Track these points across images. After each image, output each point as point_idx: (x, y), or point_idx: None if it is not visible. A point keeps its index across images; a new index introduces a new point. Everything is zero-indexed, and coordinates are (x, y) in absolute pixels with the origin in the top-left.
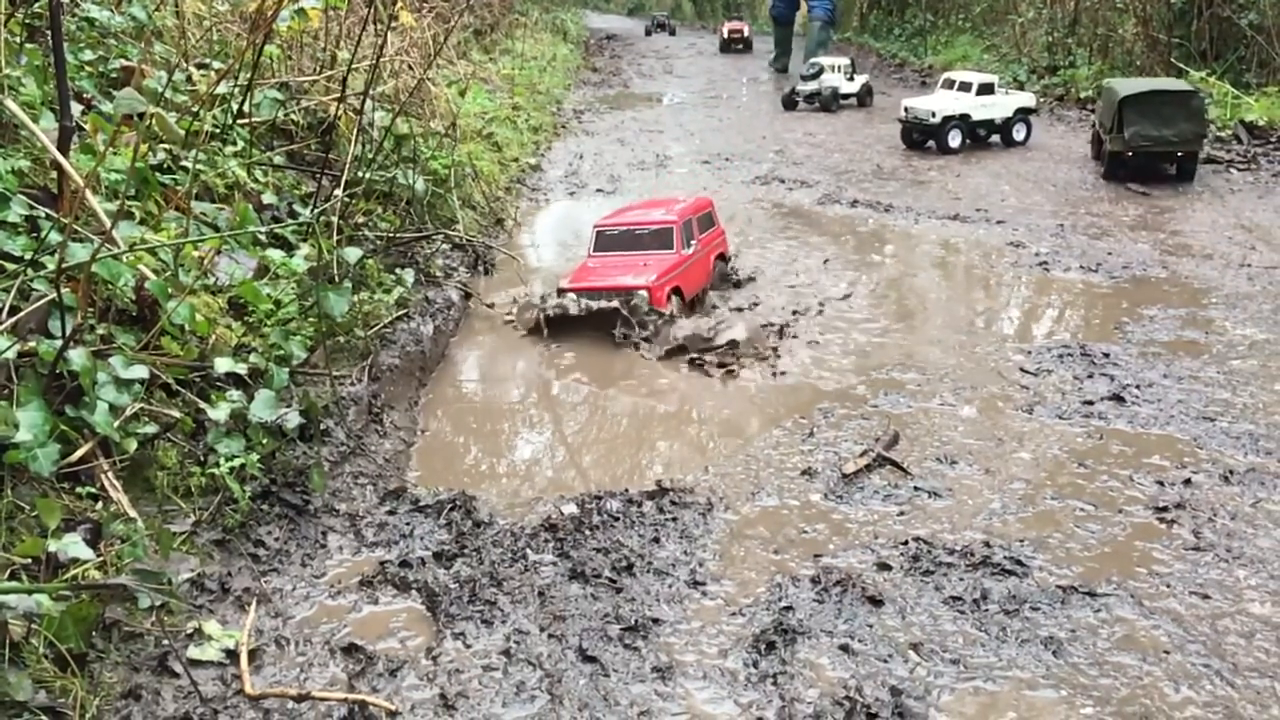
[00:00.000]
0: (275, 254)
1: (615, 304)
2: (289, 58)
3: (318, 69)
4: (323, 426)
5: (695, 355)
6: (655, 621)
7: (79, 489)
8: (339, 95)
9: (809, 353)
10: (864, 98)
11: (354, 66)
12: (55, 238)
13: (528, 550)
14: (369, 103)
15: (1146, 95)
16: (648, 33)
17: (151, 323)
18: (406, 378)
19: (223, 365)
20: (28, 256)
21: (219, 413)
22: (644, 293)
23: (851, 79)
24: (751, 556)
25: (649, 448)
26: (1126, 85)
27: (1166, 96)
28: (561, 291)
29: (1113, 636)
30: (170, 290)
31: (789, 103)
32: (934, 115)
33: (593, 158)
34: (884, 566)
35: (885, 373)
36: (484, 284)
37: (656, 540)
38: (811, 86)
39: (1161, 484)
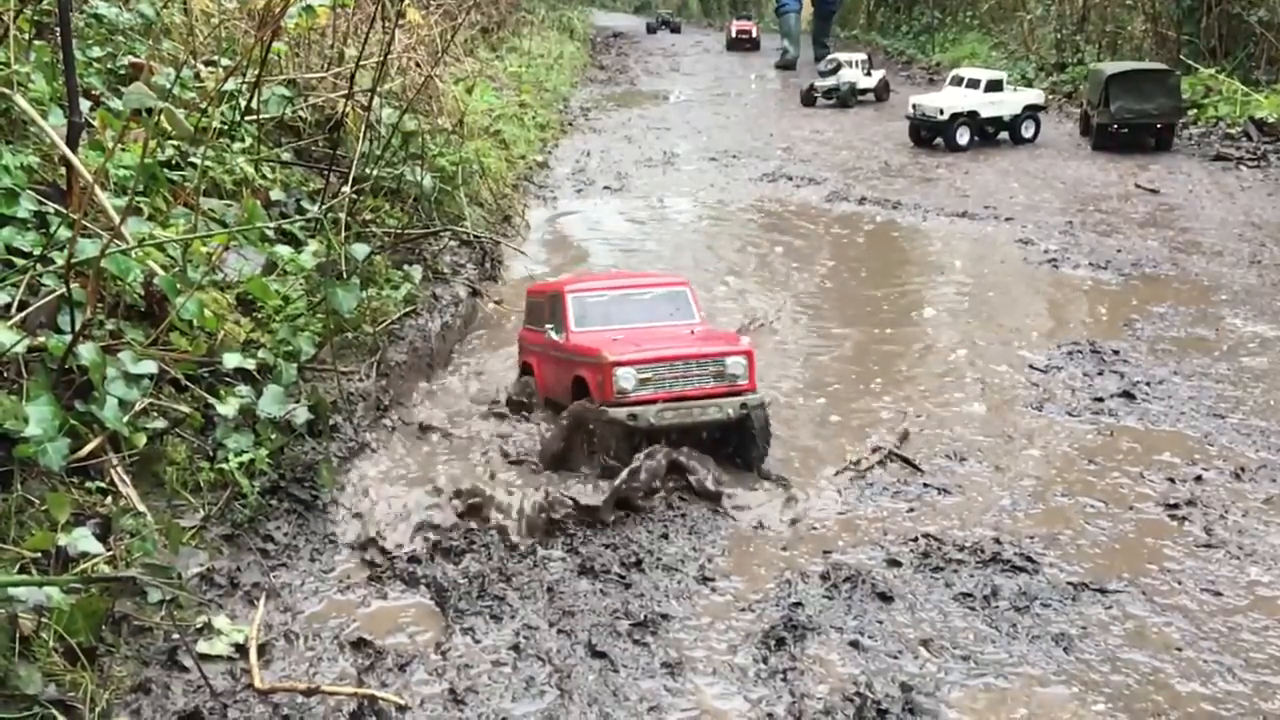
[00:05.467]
0: (283, 250)
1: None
2: (297, 55)
3: (325, 66)
4: (331, 422)
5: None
6: (664, 617)
7: (88, 484)
8: (347, 92)
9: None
10: (881, 93)
11: (362, 64)
12: (64, 233)
13: (537, 546)
14: (376, 100)
15: (1129, 74)
16: (650, 30)
17: (160, 318)
18: (414, 374)
19: (231, 361)
20: (37, 252)
21: (228, 408)
22: (742, 359)
23: (868, 74)
24: (761, 553)
25: None
26: (1111, 67)
27: (1147, 75)
28: (613, 365)
29: (1124, 633)
30: (179, 286)
31: (808, 99)
32: (942, 112)
33: (599, 155)
34: (894, 563)
35: (891, 370)
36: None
37: (665, 536)
38: (830, 82)
39: (1172, 481)
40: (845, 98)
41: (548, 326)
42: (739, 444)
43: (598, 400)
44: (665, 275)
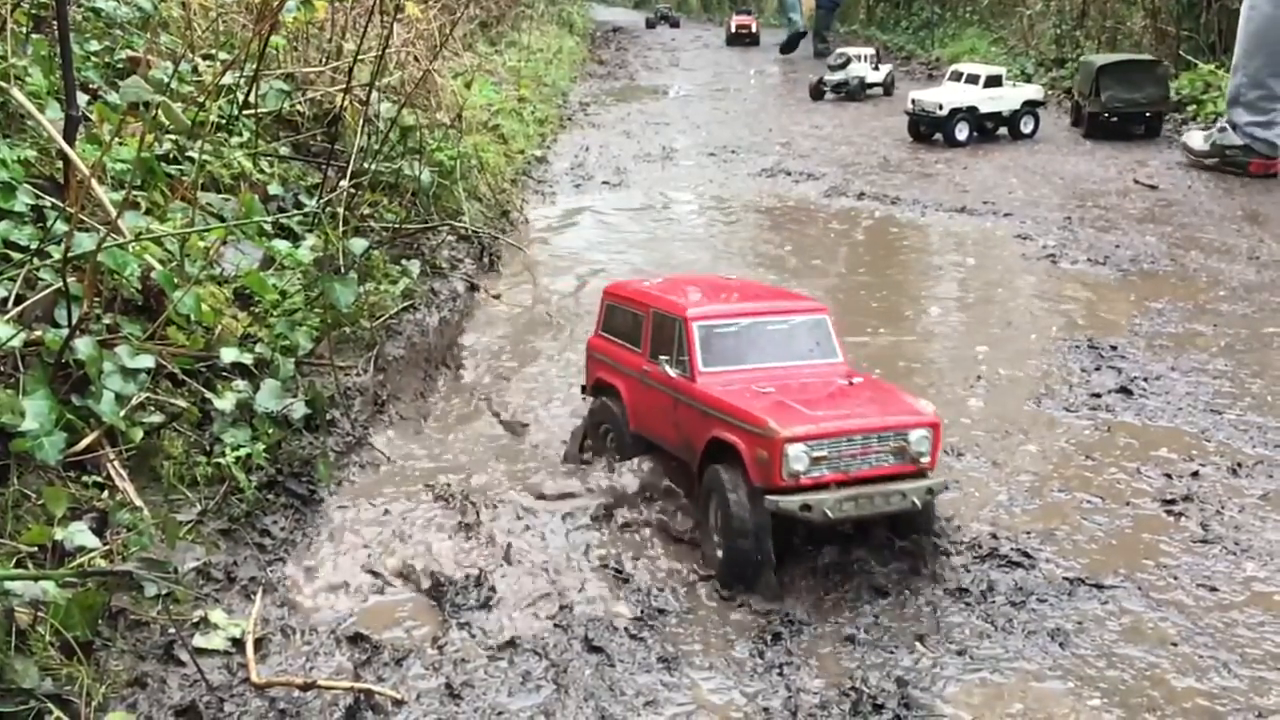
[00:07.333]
0: (281, 244)
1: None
2: (295, 49)
3: (323, 60)
4: (328, 417)
5: None
6: (661, 612)
7: (85, 478)
8: (345, 86)
9: None
10: (890, 87)
11: (360, 58)
12: (61, 227)
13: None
14: (375, 94)
15: (1119, 65)
16: (649, 25)
17: (157, 312)
18: (413, 369)
19: (229, 355)
20: (34, 246)
21: (225, 403)
22: (927, 432)
23: (877, 68)
24: None
25: None
26: (1101, 58)
27: (1136, 66)
28: (785, 441)
29: (1120, 628)
30: (176, 280)
31: (817, 93)
32: (941, 108)
33: (598, 150)
34: (891, 558)
35: (891, 366)
36: (490, 276)
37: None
38: (839, 76)
39: (1169, 476)
40: (855, 92)
41: (662, 358)
42: (899, 530)
43: (756, 480)
44: (799, 298)
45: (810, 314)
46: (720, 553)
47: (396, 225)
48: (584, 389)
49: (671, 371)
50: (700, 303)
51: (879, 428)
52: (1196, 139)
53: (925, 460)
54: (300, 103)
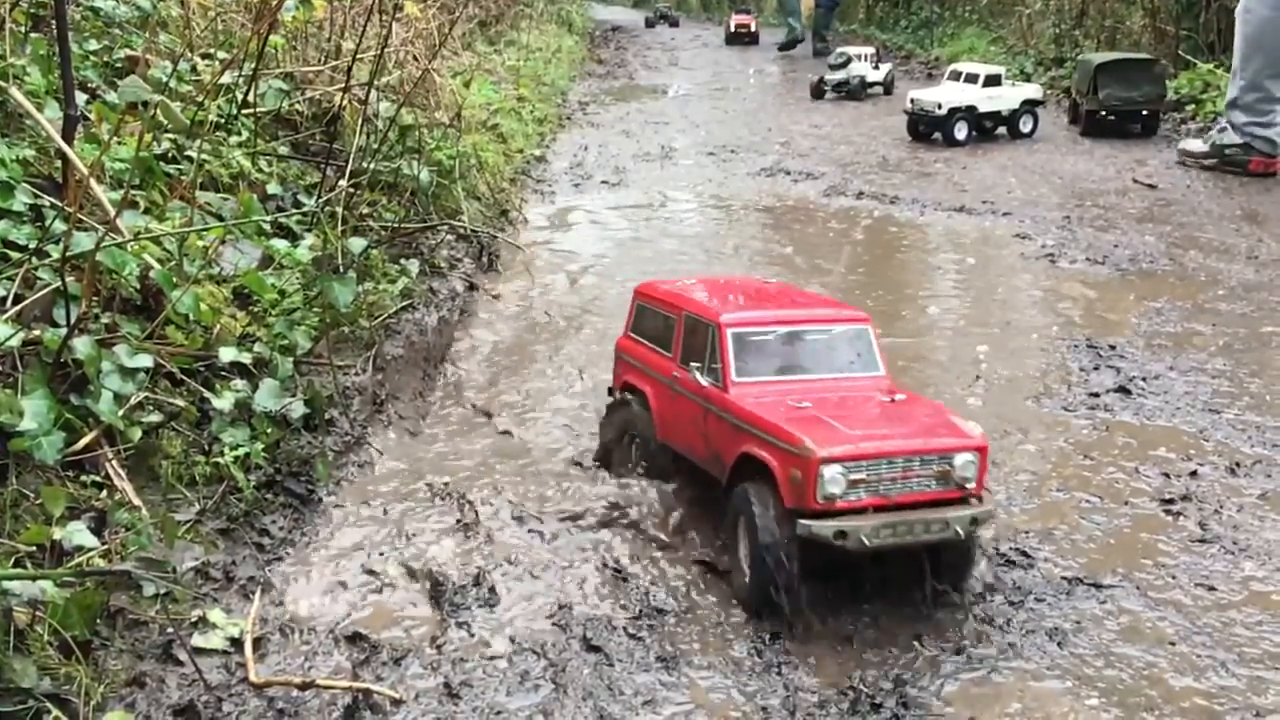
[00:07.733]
0: (280, 244)
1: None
2: (294, 48)
3: (322, 59)
4: (327, 416)
5: None
6: (660, 611)
7: (84, 477)
8: (344, 86)
9: None
10: (890, 86)
11: (359, 57)
12: (60, 227)
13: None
14: (374, 93)
15: (1117, 63)
16: (649, 24)
17: (156, 312)
18: (411, 368)
19: (227, 355)
20: (33, 245)
21: (223, 402)
22: (973, 456)
23: (877, 67)
24: None
25: None
26: (1099, 56)
27: (1133, 64)
28: (822, 461)
29: (1118, 627)
30: (175, 279)
31: (817, 92)
32: (940, 107)
33: (597, 149)
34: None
35: (890, 365)
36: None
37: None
38: (840, 76)
39: (1167, 476)
40: (856, 91)
41: (693, 365)
42: (939, 564)
43: (788, 502)
44: (840, 306)
45: (852, 323)
46: (747, 579)
47: (395, 225)
48: (611, 390)
49: (703, 380)
50: (735, 308)
51: (922, 450)
52: (1194, 144)
53: (970, 486)
54: (299, 102)
